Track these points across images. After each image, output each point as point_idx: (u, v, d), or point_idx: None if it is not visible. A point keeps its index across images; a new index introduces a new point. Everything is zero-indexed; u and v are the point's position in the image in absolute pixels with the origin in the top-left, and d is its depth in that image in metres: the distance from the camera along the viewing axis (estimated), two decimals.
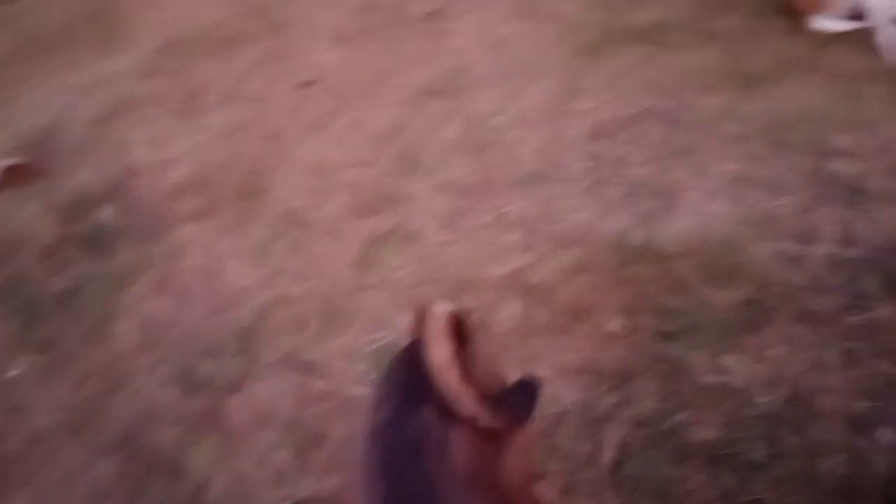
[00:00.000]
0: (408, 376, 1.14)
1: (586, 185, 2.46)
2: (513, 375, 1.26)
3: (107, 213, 2.99)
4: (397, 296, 2.23)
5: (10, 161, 3.43)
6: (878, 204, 2.17)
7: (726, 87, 2.73)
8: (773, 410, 1.68)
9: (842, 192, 2.22)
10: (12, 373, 2.35)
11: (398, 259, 2.37)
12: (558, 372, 1.86)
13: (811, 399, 1.71)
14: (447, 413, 1.04)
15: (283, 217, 2.72)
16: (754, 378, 1.76)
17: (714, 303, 1.95)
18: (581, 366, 1.87)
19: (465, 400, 1.04)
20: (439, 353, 1.05)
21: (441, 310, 1.13)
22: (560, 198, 2.44)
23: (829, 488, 1.53)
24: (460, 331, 1.13)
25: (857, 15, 2.84)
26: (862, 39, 2.80)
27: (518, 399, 1.18)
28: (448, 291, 2.18)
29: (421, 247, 2.40)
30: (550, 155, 2.63)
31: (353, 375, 2.03)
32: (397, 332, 2.05)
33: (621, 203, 2.34)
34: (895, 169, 2.28)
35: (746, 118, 2.57)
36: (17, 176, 3.35)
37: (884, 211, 2.14)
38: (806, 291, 1.97)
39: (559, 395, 1.80)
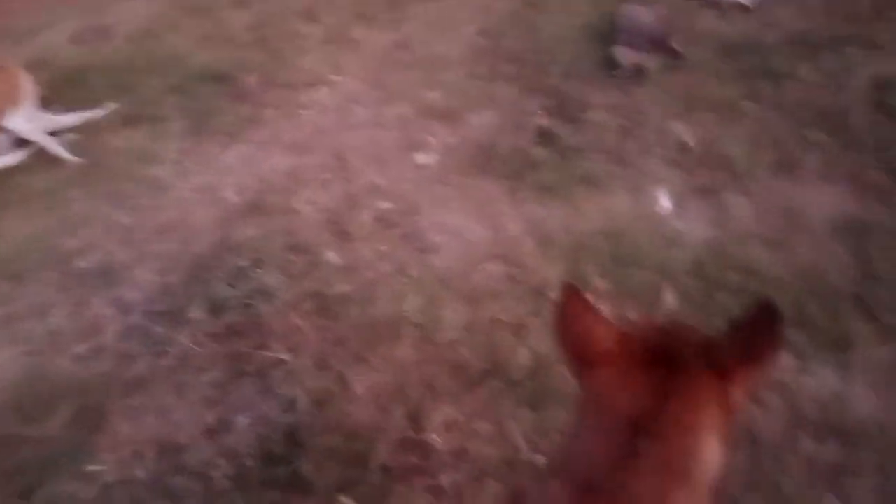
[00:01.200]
0: None
1: None
2: None
3: None
4: None
5: None
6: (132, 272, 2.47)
7: None
8: (148, 477, 1.86)
9: (92, 278, 2.45)
10: None
11: None
12: None
13: (176, 449, 1.93)
14: None
15: None
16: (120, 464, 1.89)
17: (45, 434, 1.95)
18: None
19: None
20: None
21: None
22: None
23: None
24: None
25: (27, 141, 3.06)
26: (43, 155, 3.03)
27: None
28: None
29: None
30: None
31: None
32: None
33: None
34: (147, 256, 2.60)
35: None
36: None
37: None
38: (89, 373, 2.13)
39: None
